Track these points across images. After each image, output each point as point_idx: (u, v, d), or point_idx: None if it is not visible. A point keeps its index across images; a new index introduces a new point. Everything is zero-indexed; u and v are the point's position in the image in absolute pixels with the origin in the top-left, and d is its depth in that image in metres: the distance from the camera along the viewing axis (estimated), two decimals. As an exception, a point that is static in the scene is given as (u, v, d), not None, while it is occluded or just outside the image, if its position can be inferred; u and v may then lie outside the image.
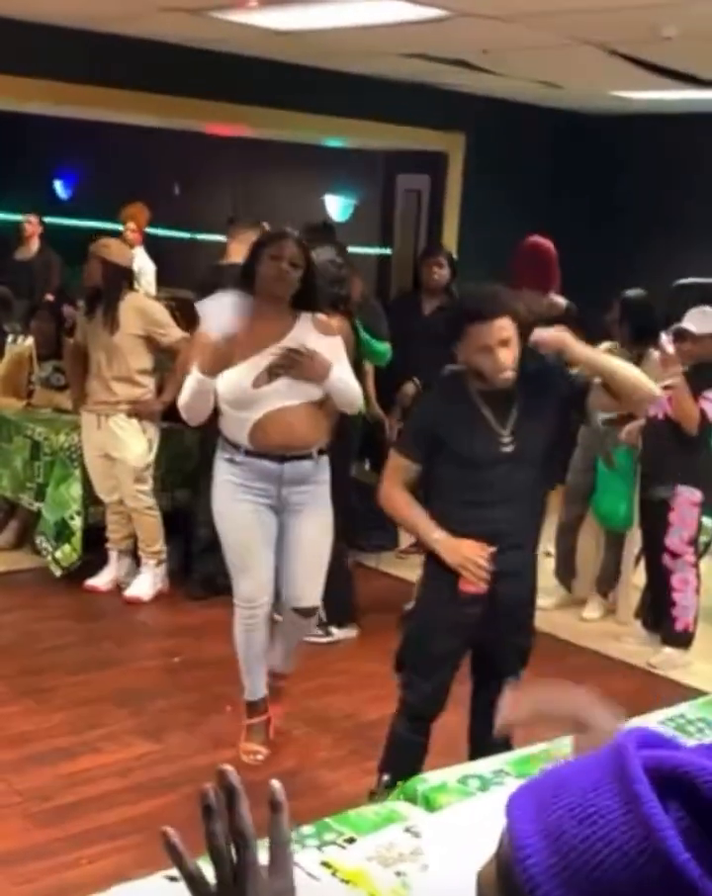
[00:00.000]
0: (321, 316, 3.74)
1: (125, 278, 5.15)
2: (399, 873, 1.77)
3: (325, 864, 1.84)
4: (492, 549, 3.08)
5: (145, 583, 5.34)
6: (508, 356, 3.01)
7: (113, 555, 5.43)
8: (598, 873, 0.78)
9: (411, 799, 2.17)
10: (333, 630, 4.98)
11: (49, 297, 7.79)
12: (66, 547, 5.38)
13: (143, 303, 5.26)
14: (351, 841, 1.95)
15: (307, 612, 3.86)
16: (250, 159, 9.30)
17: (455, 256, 6.23)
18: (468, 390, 3.14)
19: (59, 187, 11.10)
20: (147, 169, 9.74)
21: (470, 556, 3.07)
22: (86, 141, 9.94)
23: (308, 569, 3.79)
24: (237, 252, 5.03)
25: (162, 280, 8.30)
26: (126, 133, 8.60)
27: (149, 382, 5.23)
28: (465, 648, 3.33)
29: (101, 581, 5.40)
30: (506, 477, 3.10)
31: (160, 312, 5.24)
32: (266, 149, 8.61)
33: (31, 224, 8.61)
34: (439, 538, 3.10)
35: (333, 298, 4.34)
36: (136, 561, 5.44)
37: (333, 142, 7.79)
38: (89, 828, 3.35)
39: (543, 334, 3.06)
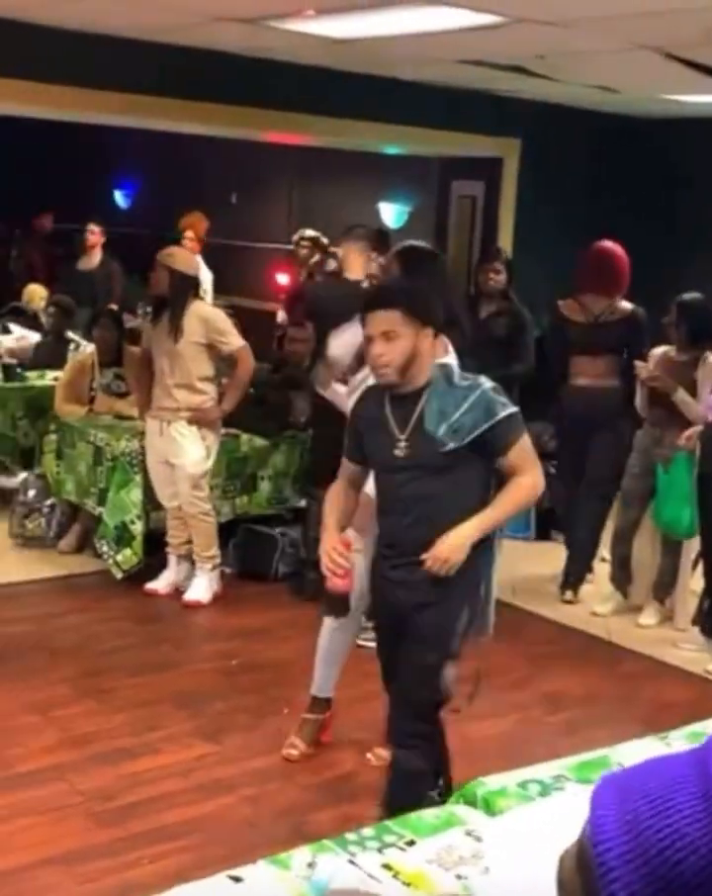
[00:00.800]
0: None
1: (190, 286, 5.21)
2: (459, 876, 1.79)
3: (386, 866, 1.86)
4: (353, 546, 3.15)
5: (202, 587, 5.40)
6: (383, 350, 2.93)
7: (172, 559, 5.50)
8: (670, 863, 0.81)
9: (471, 803, 2.18)
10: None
11: (112, 306, 7.90)
12: (127, 551, 5.46)
13: (207, 311, 5.32)
14: (411, 843, 1.97)
15: None
16: (306, 167, 9.36)
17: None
18: (383, 390, 3.08)
19: (119, 197, 11.23)
20: (205, 178, 9.84)
21: (326, 551, 3.08)
22: (145, 151, 10.07)
23: None
24: (357, 265, 5.12)
25: (220, 288, 8.36)
26: (184, 142, 8.70)
27: (211, 389, 5.29)
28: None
29: (160, 584, 5.47)
30: (403, 484, 3.00)
31: (223, 320, 5.30)
32: (322, 157, 8.66)
33: (93, 233, 8.68)
34: (322, 536, 3.14)
35: None
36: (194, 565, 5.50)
37: (389, 150, 7.82)
38: (150, 828, 3.40)
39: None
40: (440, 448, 2.93)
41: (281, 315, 7.32)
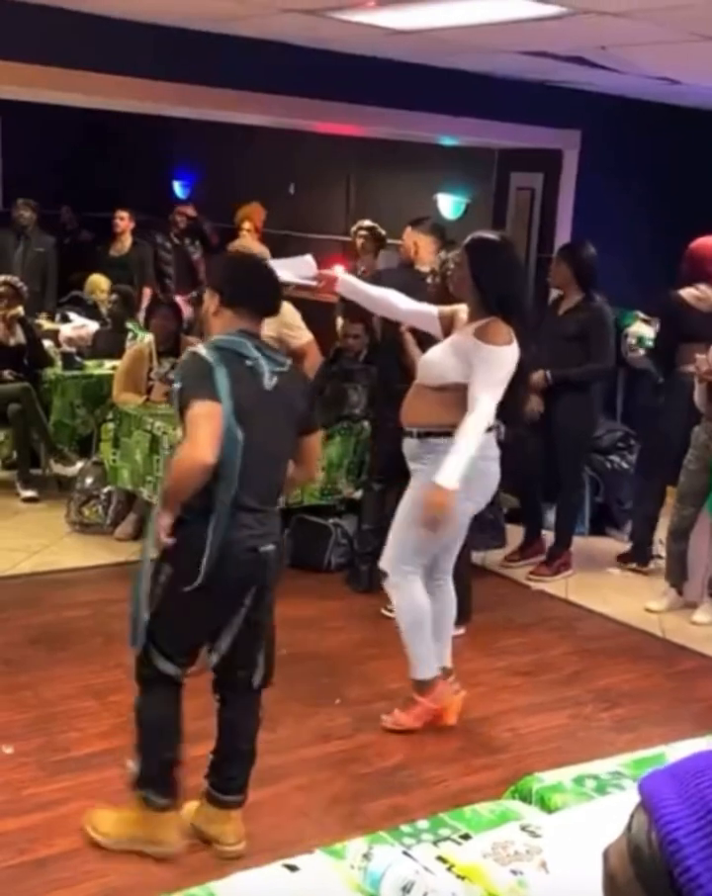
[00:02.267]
0: (495, 323, 3.78)
1: None
2: (515, 872, 1.79)
3: (441, 859, 1.87)
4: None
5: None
6: None
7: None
8: None
9: (525, 798, 2.18)
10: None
11: (146, 289, 8.11)
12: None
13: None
14: (466, 837, 1.97)
15: (382, 574, 4.14)
16: (364, 158, 9.34)
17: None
18: None
19: (178, 187, 11.30)
20: (263, 169, 9.86)
21: None
22: (204, 142, 10.10)
23: (393, 533, 4.05)
24: (427, 256, 5.18)
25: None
26: (243, 133, 8.72)
27: None
28: None
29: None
30: None
31: (292, 314, 5.26)
32: (379, 148, 8.64)
33: (123, 219, 8.79)
34: None
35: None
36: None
37: (447, 141, 7.79)
38: (203, 814, 3.43)
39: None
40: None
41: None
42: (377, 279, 4.89)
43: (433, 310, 4.07)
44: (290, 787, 3.65)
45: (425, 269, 5.15)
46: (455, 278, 4.16)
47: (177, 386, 3.02)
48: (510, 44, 5.81)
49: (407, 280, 5.09)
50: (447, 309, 4.05)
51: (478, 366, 3.71)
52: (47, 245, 8.46)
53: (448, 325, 4.01)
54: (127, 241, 8.84)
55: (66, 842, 3.23)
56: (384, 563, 4.08)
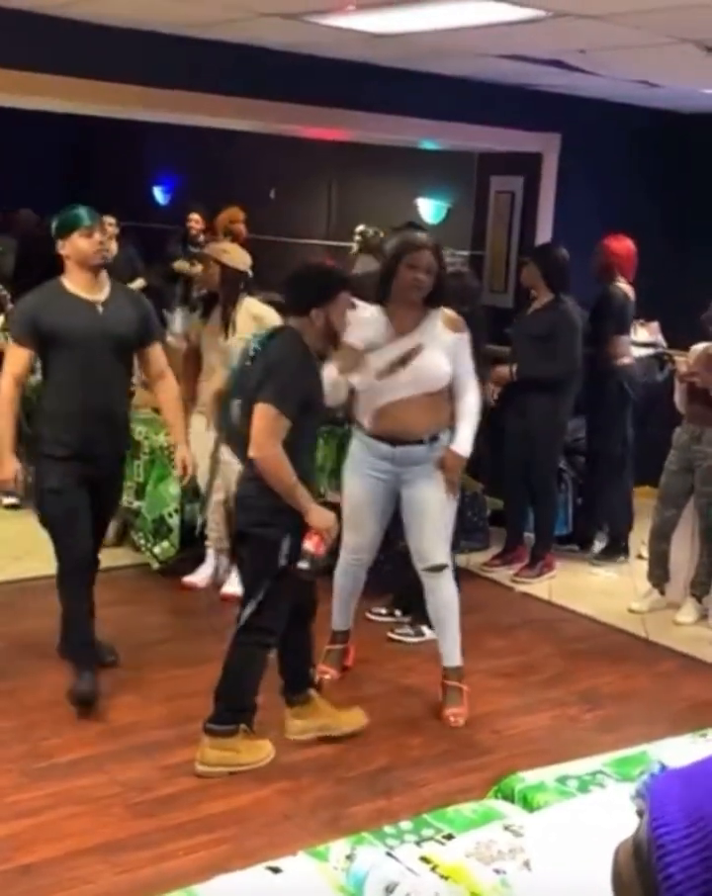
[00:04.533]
0: (450, 313, 4.14)
1: (242, 282, 5.21)
2: (498, 871, 1.80)
3: (424, 859, 1.87)
4: None
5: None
6: None
7: (210, 553, 5.53)
8: None
9: (508, 797, 2.19)
10: (424, 630, 5.01)
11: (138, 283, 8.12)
12: (165, 543, 5.50)
13: (259, 308, 5.24)
14: (449, 837, 1.97)
15: (436, 568, 4.20)
16: (344, 163, 9.35)
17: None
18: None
19: (158, 193, 11.29)
20: (244, 175, 9.85)
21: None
22: (184, 147, 10.10)
23: (432, 526, 4.16)
24: None
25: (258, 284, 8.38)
26: (222, 138, 8.71)
27: None
28: None
29: (198, 578, 5.50)
30: None
31: (274, 318, 5.27)
32: (360, 153, 8.65)
33: (111, 225, 8.79)
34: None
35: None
36: (232, 559, 5.51)
37: (427, 145, 7.80)
38: (187, 819, 3.43)
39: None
40: None
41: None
42: (357, 282, 4.91)
43: (332, 372, 4.00)
44: (274, 791, 3.65)
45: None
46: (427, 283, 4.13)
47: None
48: (490, 47, 5.82)
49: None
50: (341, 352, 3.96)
51: (461, 353, 4.12)
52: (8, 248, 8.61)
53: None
54: (113, 246, 8.83)
55: (50, 848, 3.22)
56: (438, 556, 4.19)
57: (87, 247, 4.03)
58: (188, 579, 5.50)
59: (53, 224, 4.12)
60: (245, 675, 3.74)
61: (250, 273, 5.33)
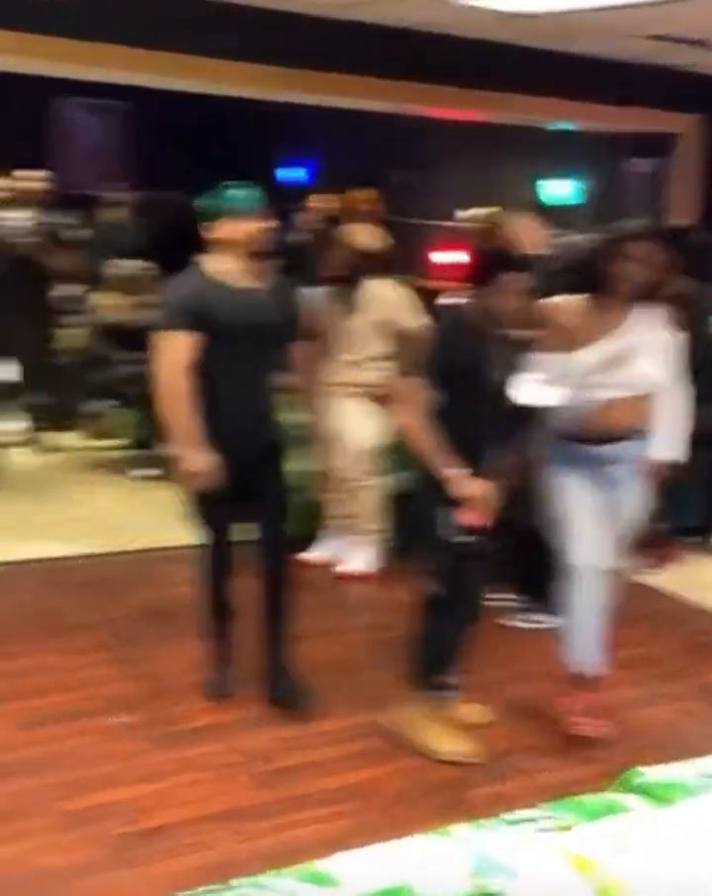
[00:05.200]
0: (658, 311, 3.87)
1: (371, 264, 5.24)
2: (620, 864, 1.80)
3: (547, 848, 1.88)
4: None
5: (361, 559, 5.48)
6: None
7: (330, 531, 5.59)
8: None
9: (631, 791, 2.18)
10: (541, 616, 4.99)
11: None
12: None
13: (387, 289, 5.30)
14: (570, 827, 1.98)
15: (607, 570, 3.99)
16: (480, 144, 9.29)
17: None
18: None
19: (297, 175, 11.36)
20: (377, 156, 9.86)
21: None
22: (323, 129, 10.14)
23: (619, 537, 3.98)
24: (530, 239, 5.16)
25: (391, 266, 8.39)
26: (357, 118, 8.74)
27: (384, 366, 5.33)
28: None
29: (316, 555, 5.57)
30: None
31: (404, 299, 5.31)
32: (495, 133, 8.59)
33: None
34: None
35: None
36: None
37: (563, 125, 7.71)
38: (306, 792, 3.50)
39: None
40: None
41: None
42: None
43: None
44: (391, 769, 3.69)
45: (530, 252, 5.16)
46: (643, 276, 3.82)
47: None
48: (630, 27, 5.73)
49: None
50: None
51: (670, 353, 3.89)
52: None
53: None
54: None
55: (172, 813, 3.33)
56: (613, 559, 3.99)
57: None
58: (305, 555, 5.57)
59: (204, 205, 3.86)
60: (427, 648, 3.80)
61: (381, 255, 5.35)
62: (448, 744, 3.77)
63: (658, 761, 2.42)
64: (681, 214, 7.44)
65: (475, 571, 3.77)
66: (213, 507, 3.94)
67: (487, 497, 3.61)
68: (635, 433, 3.90)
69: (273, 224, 4.19)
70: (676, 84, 7.07)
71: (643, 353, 3.79)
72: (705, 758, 2.41)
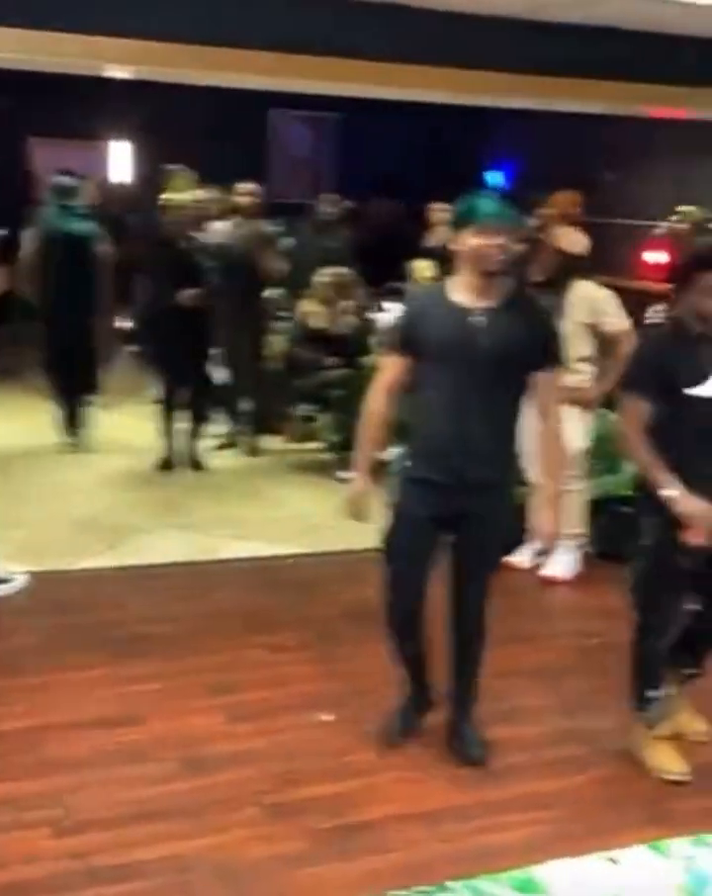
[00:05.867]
0: None
1: (576, 266, 5.20)
2: None
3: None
4: None
5: (563, 564, 5.43)
6: None
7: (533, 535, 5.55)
8: None
9: None
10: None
11: None
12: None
13: (592, 291, 5.26)
14: None
15: None
16: (687, 142, 9.06)
17: None
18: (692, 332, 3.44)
19: (499, 178, 11.33)
20: (581, 156, 9.74)
21: None
22: (525, 131, 10.09)
23: None
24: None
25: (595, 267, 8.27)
26: (563, 120, 8.65)
27: (588, 369, 5.27)
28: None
29: (520, 558, 5.55)
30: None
31: (609, 300, 5.25)
32: (704, 131, 8.35)
33: (438, 212, 8.91)
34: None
35: None
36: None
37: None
38: (509, 796, 3.49)
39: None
40: None
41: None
42: None
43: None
44: (591, 778, 3.65)
45: None
46: None
47: None
48: None
49: None
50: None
51: None
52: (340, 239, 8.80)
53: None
54: (441, 232, 8.99)
55: (377, 810, 3.38)
56: None
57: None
58: (509, 558, 5.55)
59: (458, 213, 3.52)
60: (636, 669, 3.72)
61: (585, 257, 5.30)
62: (660, 760, 3.68)
63: None
64: None
65: (678, 586, 3.62)
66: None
67: (708, 516, 3.43)
68: None
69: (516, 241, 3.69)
70: None
71: None
72: None
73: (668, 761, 3.67)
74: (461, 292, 3.45)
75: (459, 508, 3.54)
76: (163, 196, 7.30)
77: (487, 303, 3.43)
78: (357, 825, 3.31)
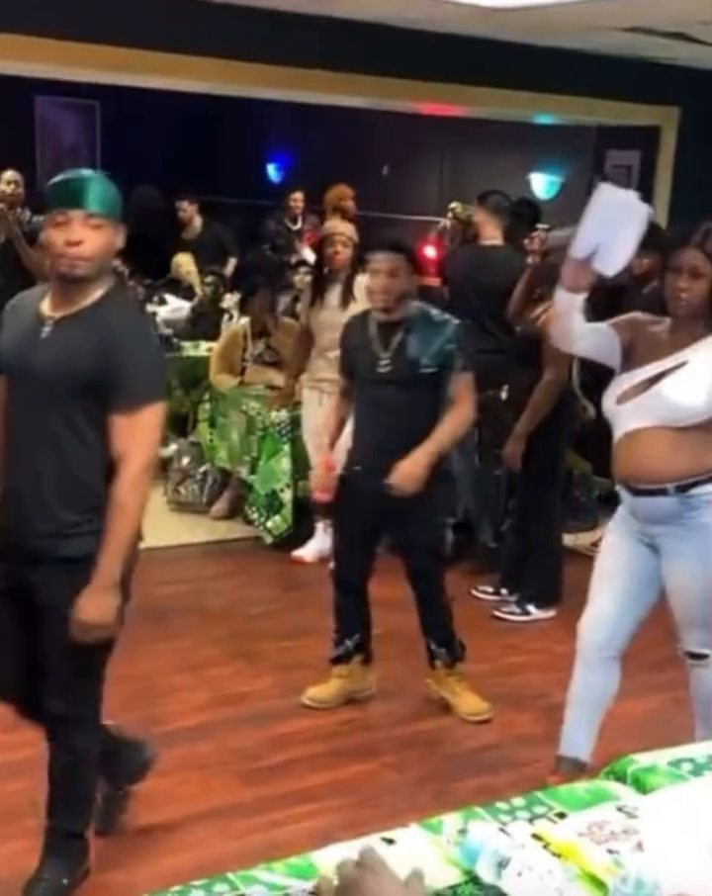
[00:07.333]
0: None
1: (360, 259, 5.25)
2: (611, 851, 1.80)
3: (536, 837, 1.88)
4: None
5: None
6: (380, 285, 3.76)
7: (320, 528, 5.59)
8: None
9: (621, 780, 2.18)
10: (530, 608, 5.01)
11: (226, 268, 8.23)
12: (277, 517, 5.58)
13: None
14: (562, 816, 1.98)
15: (694, 656, 3.44)
16: (458, 138, 9.30)
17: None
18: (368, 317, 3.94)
19: (271, 170, 11.36)
20: (356, 151, 9.86)
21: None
22: (298, 125, 10.13)
23: (683, 614, 3.34)
24: (490, 229, 5.52)
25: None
26: (336, 115, 8.73)
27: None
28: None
29: (307, 552, 5.57)
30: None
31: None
32: (473, 128, 8.59)
33: (185, 210, 8.90)
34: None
35: None
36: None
37: (543, 119, 7.72)
38: (295, 789, 3.49)
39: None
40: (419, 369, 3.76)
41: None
42: (452, 258, 4.98)
43: (603, 326, 3.20)
44: (380, 764, 3.70)
45: (489, 243, 5.50)
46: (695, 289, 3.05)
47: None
48: (611, 20, 5.72)
49: (473, 257, 5.63)
50: (623, 320, 3.23)
51: None
52: None
53: (629, 343, 3.16)
54: (196, 224, 8.96)
55: (163, 812, 3.31)
56: (693, 643, 3.40)
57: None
58: (297, 553, 5.57)
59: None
60: (447, 619, 4.23)
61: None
62: (471, 705, 4.09)
63: (646, 749, 2.42)
64: (663, 207, 7.45)
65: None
66: None
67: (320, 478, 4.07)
68: (673, 486, 3.09)
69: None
70: (656, 77, 7.07)
71: (687, 369, 3.07)
72: (696, 744, 2.42)
73: (476, 704, 4.05)
74: (49, 296, 2.71)
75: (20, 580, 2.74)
76: None
77: (63, 311, 2.65)
78: (143, 829, 3.23)
